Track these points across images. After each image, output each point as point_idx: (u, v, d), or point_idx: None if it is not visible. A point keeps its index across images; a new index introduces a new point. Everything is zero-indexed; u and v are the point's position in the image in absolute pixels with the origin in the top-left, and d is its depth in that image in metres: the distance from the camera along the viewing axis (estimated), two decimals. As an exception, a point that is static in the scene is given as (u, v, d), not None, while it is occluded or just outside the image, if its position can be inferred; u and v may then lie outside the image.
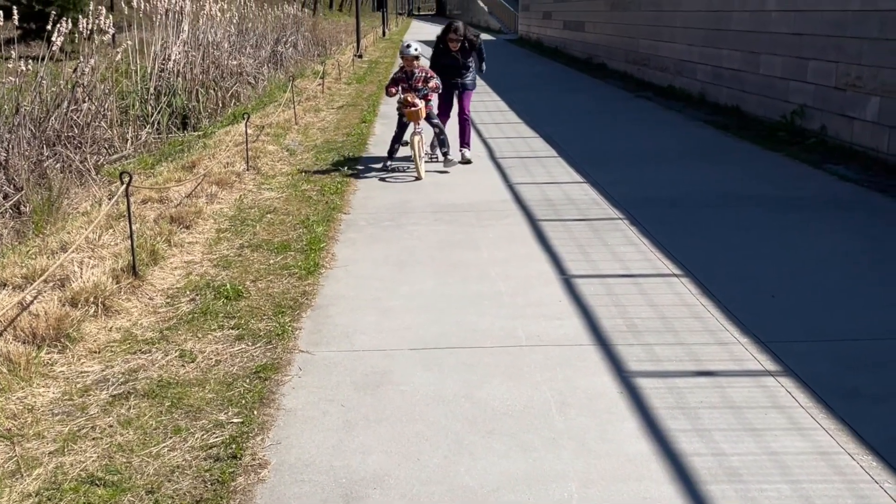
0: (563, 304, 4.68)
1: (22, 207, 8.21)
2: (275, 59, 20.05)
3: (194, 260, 5.49)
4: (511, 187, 7.63)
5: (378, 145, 9.71)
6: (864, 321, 4.38)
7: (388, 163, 8.47)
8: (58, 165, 9.48)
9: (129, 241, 5.10)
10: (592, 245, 5.79)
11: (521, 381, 3.73)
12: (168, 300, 4.77)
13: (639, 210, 6.64)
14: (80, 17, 11.21)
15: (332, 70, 18.15)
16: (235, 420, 3.40)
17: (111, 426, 3.34)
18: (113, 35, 12.50)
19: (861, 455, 3.08)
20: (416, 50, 8.18)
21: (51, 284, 4.71)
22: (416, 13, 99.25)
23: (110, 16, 12.04)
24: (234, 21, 18.10)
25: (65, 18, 10.83)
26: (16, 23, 10.81)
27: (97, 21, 11.36)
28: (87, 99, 10.60)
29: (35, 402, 3.53)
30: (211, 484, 2.95)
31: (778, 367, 3.83)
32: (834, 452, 3.11)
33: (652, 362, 3.90)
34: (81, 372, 3.84)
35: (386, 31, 41.98)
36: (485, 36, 9.08)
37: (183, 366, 3.91)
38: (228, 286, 4.86)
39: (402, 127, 8.41)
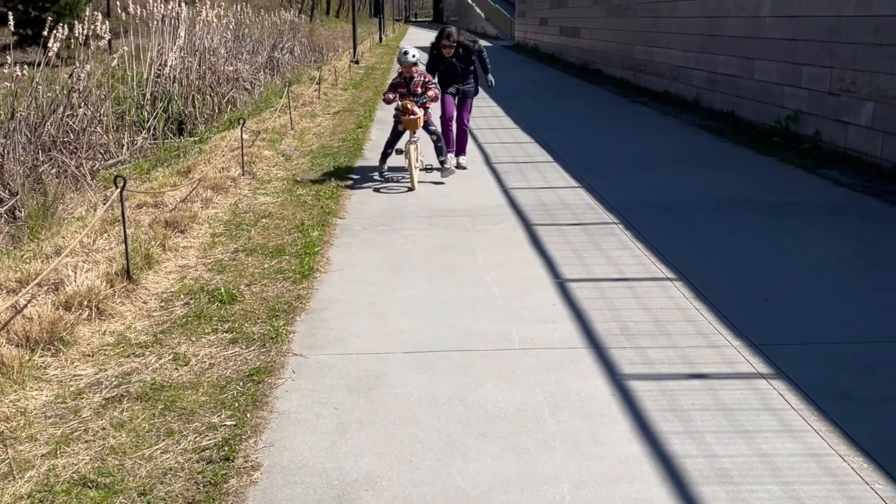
0: (557, 307, 4.69)
1: (17, 212, 8.22)
2: (271, 65, 20.08)
3: (189, 264, 5.49)
4: (507, 192, 7.64)
5: (374, 150, 9.71)
6: (857, 325, 4.39)
7: (383, 169, 8.23)
8: (53, 170, 9.49)
9: (124, 246, 5.10)
10: (587, 249, 5.80)
11: (515, 384, 3.74)
12: (162, 304, 4.77)
13: (633, 214, 6.65)
14: (77, 22, 11.23)
15: (328, 76, 18.18)
16: (228, 423, 3.40)
17: (104, 429, 3.34)
18: (109, 41, 12.53)
19: (852, 457, 3.09)
20: (413, 56, 7.99)
21: (45, 288, 4.71)
22: (414, 19, 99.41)
23: (106, 22, 12.07)
24: (231, 27, 18.14)
25: (61, 24, 10.85)
26: (12, 28, 10.83)
27: (93, 27, 11.38)
28: (82, 104, 10.61)
29: (28, 405, 3.53)
30: (203, 486, 2.95)
31: (770, 369, 3.84)
32: (825, 454, 3.12)
33: (645, 365, 3.91)
34: (75, 375, 3.84)
35: (383, 37, 42.05)
36: (482, 42, 8.88)
37: (176, 369, 3.91)
38: (223, 290, 4.87)
39: (396, 133, 8.15)
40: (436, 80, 8.33)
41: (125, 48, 13.02)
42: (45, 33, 10.59)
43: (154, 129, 12.62)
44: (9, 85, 9.64)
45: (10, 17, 11.00)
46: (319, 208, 6.98)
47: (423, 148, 8.33)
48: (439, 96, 8.13)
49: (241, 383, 3.76)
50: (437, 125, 8.32)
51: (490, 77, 8.72)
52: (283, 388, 3.74)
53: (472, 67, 8.48)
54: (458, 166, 8.58)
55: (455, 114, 8.58)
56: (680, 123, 11.75)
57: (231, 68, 16.08)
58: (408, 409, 3.53)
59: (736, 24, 11.50)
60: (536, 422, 3.40)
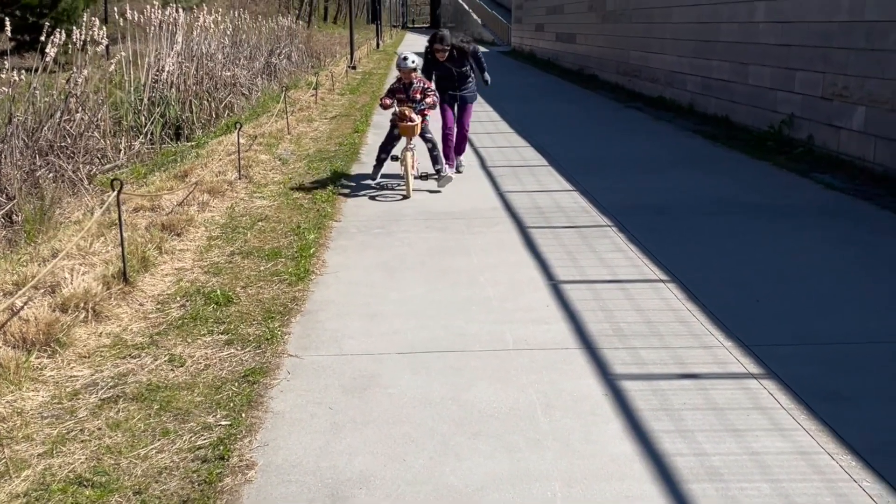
0: (550, 308, 4.73)
1: (14, 216, 8.24)
2: (269, 71, 20.13)
3: (185, 267, 5.52)
4: (502, 195, 7.68)
5: (370, 154, 9.72)
6: (848, 326, 4.43)
7: (376, 177, 8.09)
8: (50, 175, 9.52)
9: (120, 249, 5.13)
10: (581, 252, 5.84)
11: (508, 384, 3.77)
12: (158, 306, 4.80)
13: (627, 217, 6.69)
14: (75, 28, 11.27)
15: (325, 81, 18.22)
16: (223, 422, 3.43)
17: (100, 429, 3.37)
18: (107, 46, 12.56)
19: (840, 455, 3.13)
20: (413, 62, 7.85)
21: (41, 291, 4.74)
22: (411, 26, 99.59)
23: (104, 27, 12.11)
24: (229, 33, 18.19)
25: (59, 30, 10.89)
26: (9, 34, 10.86)
27: (91, 32, 11.42)
28: (80, 109, 10.65)
29: (24, 405, 3.56)
30: (198, 484, 2.97)
31: (761, 369, 3.88)
32: (814, 452, 3.15)
33: (637, 365, 3.94)
34: (71, 376, 3.86)
35: (380, 43, 42.13)
36: (479, 47, 8.83)
37: (172, 370, 3.94)
38: (219, 292, 4.90)
39: (392, 138, 8.03)
40: (433, 84, 8.22)
41: (122, 53, 13.06)
42: (42, 38, 10.63)
43: (151, 134, 12.65)
44: (6, 90, 9.67)
45: (8, 23, 11.04)
46: (315, 211, 7.01)
47: (419, 156, 8.19)
48: (438, 103, 8.03)
49: (236, 384, 3.79)
50: (433, 133, 8.13)
51: (486, 75, 8.59)
52: (278, 388, 3.77)
53: (468, 71, 8.37)
54: (457, 168, 8.55)
55: (454, 124, 8.48)
56: (674, 128, 11.80)
57: (228, 74, 16.12)
58: (401, 409, 3.56)
59: (730, 30, 11.56)
60: (529, 421, 3.43)
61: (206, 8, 17.49)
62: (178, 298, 4.90)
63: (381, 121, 11.86)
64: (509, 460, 3.13)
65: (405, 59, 7.86)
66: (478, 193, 7.80)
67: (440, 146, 8.27)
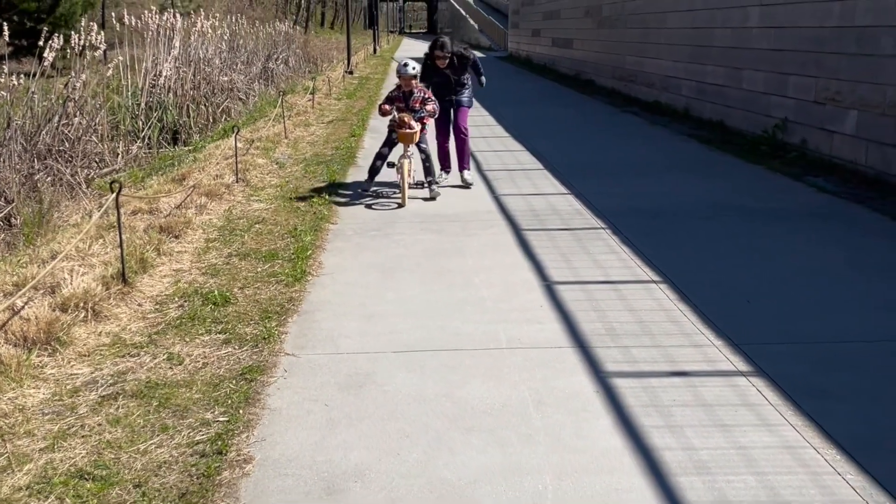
0: (544, 309, 4.80)
1: (12, 220, 8.31)
2: (266, 76, 20.23)
3: (183, 268, 5.58)
4: (497, 199, 7.76)
5: (367, 158, 9.77)
6: (837, 325, 4.50)
7: (369, 186, 7.92)
8: (48, 179, 9.59)
9: (119, 250, 5.19)
10: (575, 253, 5.91)
11: (501, 382, 3.84)
12: (157, 306, 4.86)
13: (621, 220, 6.77)
14: (73, 33, 11.34)
15: (322, 86, 18.30)
16: (221, 419, 3.49)
17: (100, 425, 3.43)
18: (104, 52, 12.63)
19: (825, 449, 3.20)
20: (414, 69, 7.70)
21: (41, 291, 4.80)
22: (408, 31, 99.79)
23: (102, 32, 12.18)
24: (226, 38, 18.28)
25: (57, 35, 10.97)
26: (7, 39, 10.92)
27: (89, 37, 11.49)
28: (77, 113, 10.72)
29: (26, 402, 3.62)
30: (197, 478, 3.04)
31: (750, 367, 3.95)
32: (800, 447, 3.22)
33: (628, 363, 4.01)
34: (71, 374, 3.92)
35: (377, 48, 42.26)
36: (475, 53, 8.78)
37: (171, 368, 4.00)
38: (216, 293, 4.96)
39: (389, 145, 7.85)
40: (431, 90, 8.06)
41: (120, 58, 13.13)
42: (41, 43, 10.71)
43: (148, 138, 12.73)
44: (5, 94, 9.74)
45: (6, 28, 11.12)
46: (312, 214, 7.08)
47: (415, 164, 7.99)
48: (438, 112, 7.90)
49: (233, 381, 3.85)
50: (428, 143, 7.97)
51: (482, 78, 8.54)
52: (274, 385, 3.83)
53: (466, 79, 8.30)
54: (464, 183, 8.25)
55: (451, 135, 8.39)
56: (669, 133, 11.89)
57: (226, 78, 16.21)
58: (396, 406, 3.62)
59: (724, 35, 11.66)
60: (521, 417, 3.50)
61: (203, 13, 17.56)
62: (177, 299, 4.97)
63: (378, 125, 11.93)
64: (502, 455, 3.20)
65: (406, 65, 7.74)
66: (473, 196, 7.87)
67: (433, 156, 8.16)
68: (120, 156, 11.48)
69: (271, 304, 4.87)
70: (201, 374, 3.93)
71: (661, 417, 3.46)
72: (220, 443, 3.28)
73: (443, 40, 8.22)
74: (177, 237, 6.19)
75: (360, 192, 7.99)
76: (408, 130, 7.57)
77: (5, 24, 11.73)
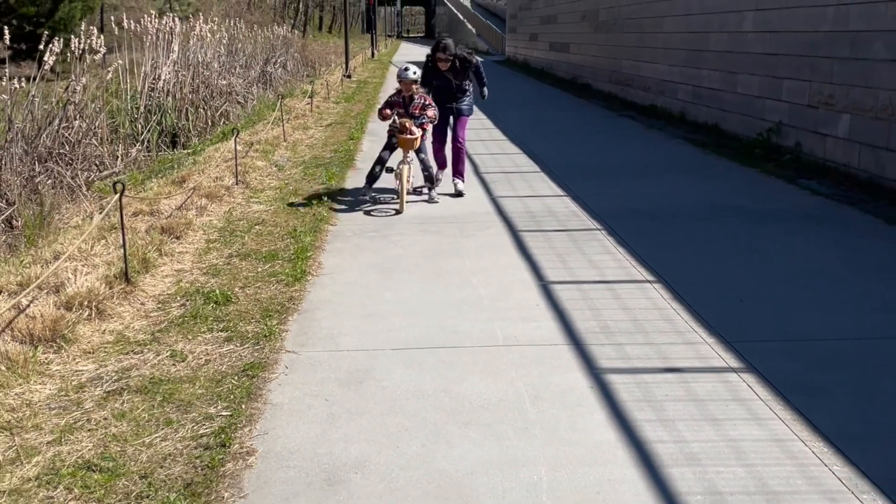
0: (540, 307, 4.88)
1: (14, 222, 8.38)
2: (264, 79, 20.32)
3: (184, 268, 5.67)
4: (494, 200, 7.84)
5: (365, 161, 9.88)
6: (828, 324, 4.59)
7: (368, 192, 7.88)
8: (49, 181, 9.66)
9: (121, 251, 5.27)
10: (571, 254, 5.99)
11: (498, 378, 3.92)
12: (159, 305, 4.94)
13: (617, 221, 6.86)
14: (73, 37, 11.42)
15: (320, 90, 18.40)
16: (224, 413, 3.57)
17: (105, 419, 3.51)
18: (103, 56, 12.71)
19: (813, 442, 3.28)
20: (414, 73, 7.59)
21: (45, 291, 4.88)
22: (406, 35, 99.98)
23: (101, 36, 12.26)
24: (224, 42, 18.36)
25: (57, 39, 11.05)
26: (7, 42, 11.01)
27: (89, 41, 11.57)
28: (78, 117, 10.79)
29: (32, 397, 3.70)
30: (201, 469, 3.12)
31: (741, 364, 4.04)
32: (788, 440, 3.31)
33: (622, 360, 4.10)
34: (76, 370, 4.00)
35: (375, 52, 42.38)
36: (479, 59, 8.62)
37: (174, 364, 4.08)
38: (218, 292, 5.04)
39: (389, 149, 7.77)
40: (430, 95, 7.91)
41: (120, 62, 13.21)
42: (41, 47, 10.78)
43: (147, 141, 12.80)
44: (5, 98, 9.82)
45: (6, 32, 11.20)
46: (311, 216, 7.16)
47: (414, 169, 7.86)
48: (438, 118, 7.81)
49: (236, 377, 3.93)
50: (427, 150, 7.92)
51: (485, 90, 8.41)
52: (276, 381, 3.91)
53: (467, 85, 8.14)
54: (456, 191, 8.11)
55: (449, 137, 8.27)
56: (665, 136, 11.99)
57: (224, 82, 16.30)
58: (395, 401, 3.70)
59: (719, 39, 11.77)
60: (517, 411, 3.58)
61: (202, 17, 17.65)
62: (179, 298, 5.05)
63: (376, 129, 12.03)
64: (498, 447, 3.28)
65: (406, 69, 7.64)
66: (471, 198, 7.95)
67: (433, 165, 8.10)
68: (119, 159, 11.56)
69: (272, 303, 4.95)
70: (204, 371, 4.01)
71: (654, 412, 3.55)
72: (223, 436, 3.36)
73: (445, 42, 8.04)
74: (178, 238, 6.27)
75: (359, 197, 7.98)
76: (409, 136, 7.48)
77: (6, 27, 11.80)
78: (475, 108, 8.49)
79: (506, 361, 4.11)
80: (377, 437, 3.37)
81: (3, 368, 3.84)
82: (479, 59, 8.26)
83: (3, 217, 8.29)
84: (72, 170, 10.17)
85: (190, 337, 4.43)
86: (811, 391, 3.75)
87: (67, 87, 11.01)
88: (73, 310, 4.56)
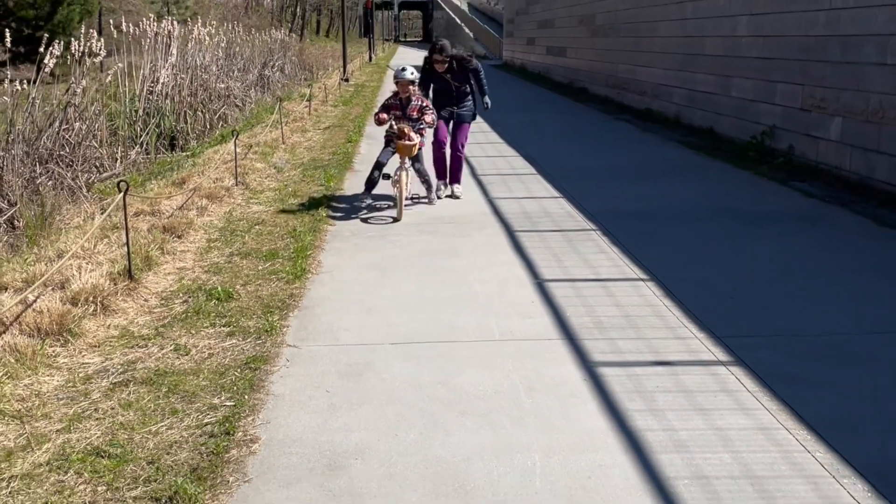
0: (535, 304, 5.00)
1: (16, 222, 8.48)
2: (262, 83, 20.43)
3: (186, 266, 5.77)
4: (491, 202, 7.96)
5: (363, 163, 10.02)
6: (816, 320, 4.71)
7: (366, 199, 7.75)
8: (50, 182, 9.76)
9: (124, 250, 5.38)
10: (565, 253, 6.11)
11: (494, 370, 4.04)
12: (162, 301, 5.05)
13: (612, 222, 6.98)
14: (73, 40, 11.53)
15: (318, 93, 18.52)
16: (228, 403, 3.68)
17: (113, 408, 3.62)
18: (102, 59, 12.81)
19: (797, 430, 3.40)
20: (412, 73, 7.47)
21: (51, 287, 4.99)
22: (403, 39, 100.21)
23: (101, 39, 12.37)
24: (223, 45, 18.47)
25: (57, 42, 11.14)
26: (8, 45, 11.11)
27: (89, 44, 11.68)
28: (78, 119, 10.90)
29: (41, 388, 3.80)
30: (206, 455, 3.22)
31: (730, 357, 4.15)
32: (773, 428, 3.42)
33: (614, 354, 4.21)
34: (83, 363, 4.11)
35: (372, 56, 42.53)
36: (477, 62, 8.34)
37: (178, 358, 4.19)
38: (219, 289, 5.15)
39: (388, 154, 7.57)
40: (430, 99, 7.85)
41: (119, 65, 13.31)
42: (41, 50, 10.88)
43: (146, 144, 12.91)
44: (6, 100, 9.92)
45: (7, 35, 11.30)
46: (311, 216, 7.27)
47: (411, 175, 7.69)
48: (436, 122, 7.73)
49: (238, 370, 4.04)
50: (423, 158, 7.75)
51: (487, 99, 8.10)
52: (278, 374, 4.02)
53: (468, 88, 7.99)
54: (453, 195, 8.08)
55: (448, 139, 8.08)
56: (661, 139, 12.12)
57: (222, 85, 16.40)
58: (394, 392, 3.81)
59: (714, 44, 11.91)
60: (512, 401, 3.69)
61: (200, 21, 17.77)
62: (181, 295, 5.15)
63: (374, 131, 12.15)
64: (493, 435, 3.39)
65: (403, 70, 7.53)
66: (468, 200, 8.07)
67: (431, 174, 8.01)
68: (119, 161, 11.66)
69: (273, 300, 5.06)
70: (207, 364, 4.12)
71: (644, 402, 3.66)
72: (227, 424, 3.47)
73: (442, 43, 7.92)
74: (179, 237, 6.38)
75: (357, 204, 7.81)
76: (407, 143, 7.29)
77: (7, 30, 11.90)
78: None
79: (501, 355, 4.23)
80: (377, 426, 3.48)
81: (13, 360, 3.95)
82: (479, 62, 8.24)
83: (5, 217, 8.39)
84: (72, 171, 10.27)
85: (193, 332, 4.53)
86: (797, 383, 3.87)
87: (67, 89, 11.12)
88: (79, 305, 4.66)
